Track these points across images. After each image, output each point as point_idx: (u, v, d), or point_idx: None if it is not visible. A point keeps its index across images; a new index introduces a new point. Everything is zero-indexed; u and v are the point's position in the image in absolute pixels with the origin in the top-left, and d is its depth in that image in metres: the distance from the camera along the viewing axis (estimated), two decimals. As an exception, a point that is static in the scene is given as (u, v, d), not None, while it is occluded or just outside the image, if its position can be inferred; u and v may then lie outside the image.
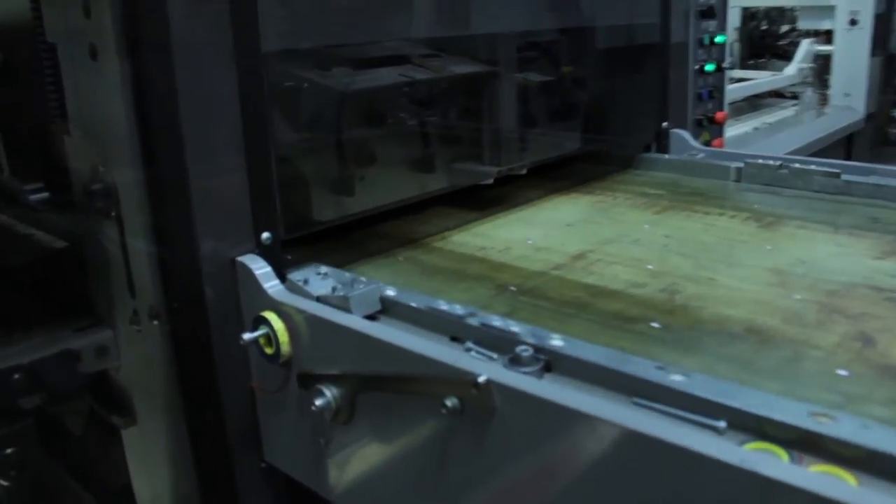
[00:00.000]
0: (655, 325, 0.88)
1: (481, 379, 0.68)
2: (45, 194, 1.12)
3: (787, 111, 3.49)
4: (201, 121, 0.89)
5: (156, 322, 0.95)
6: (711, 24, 1.83)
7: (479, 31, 1.38)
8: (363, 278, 0.97)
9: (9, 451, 0.98)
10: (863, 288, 0.97)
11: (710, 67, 1.82)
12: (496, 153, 1.44)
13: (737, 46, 3.41)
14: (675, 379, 0.67)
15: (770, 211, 1.33)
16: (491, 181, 1.41)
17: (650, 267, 1.08)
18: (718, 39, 1.85)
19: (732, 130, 2.49)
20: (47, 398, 1.01)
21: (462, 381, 0.70)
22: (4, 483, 0.99)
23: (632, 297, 0.97)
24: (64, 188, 1.05)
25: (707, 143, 1.87)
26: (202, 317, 0.95)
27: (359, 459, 0.89)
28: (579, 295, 0.99)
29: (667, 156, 1.73)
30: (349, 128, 1.23)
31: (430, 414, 0.74)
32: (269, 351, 0.93)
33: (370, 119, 1.29)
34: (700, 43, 1.81)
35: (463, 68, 1.40)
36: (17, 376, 0.97)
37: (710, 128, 1.88)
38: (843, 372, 0.76)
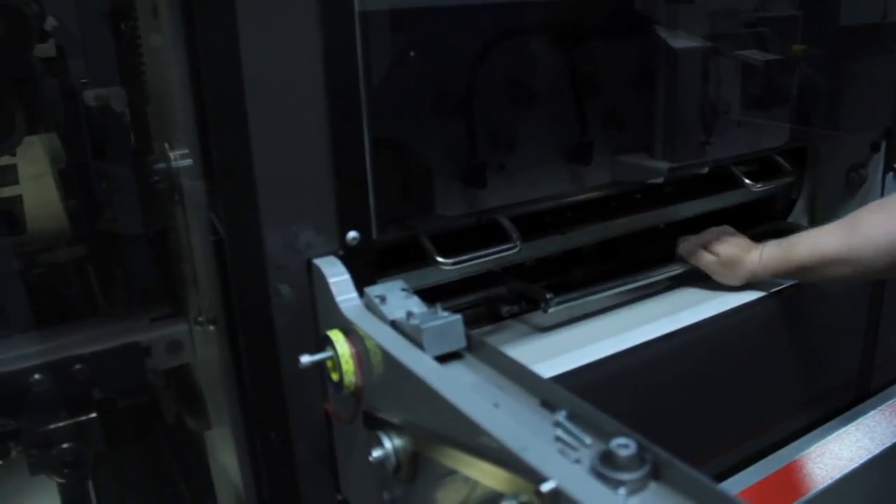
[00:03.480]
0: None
1: (545, 487, 0.47)
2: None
3: None
4: (270, 90, 0.73)
5: (212, 327, 0.81)
6: None
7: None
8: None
9: (65, 445, 0.88)
10: None
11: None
12: (671, 145, 1.17)
13: None
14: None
15: None
16: (661, 180, 1.15)
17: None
18: None
19: None
20: (110, 393, 0.91)
21: (523, 481, 0.49)
22: (59, 480, 0.90)
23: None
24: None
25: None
26: (266, 325, 0.80)
27: (422, 529, 0.71)
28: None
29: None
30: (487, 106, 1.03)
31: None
32: (334, 377, 0.76)
33: (517, 96, 1.08)
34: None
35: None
36: (77, 367, 0.88)
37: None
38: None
